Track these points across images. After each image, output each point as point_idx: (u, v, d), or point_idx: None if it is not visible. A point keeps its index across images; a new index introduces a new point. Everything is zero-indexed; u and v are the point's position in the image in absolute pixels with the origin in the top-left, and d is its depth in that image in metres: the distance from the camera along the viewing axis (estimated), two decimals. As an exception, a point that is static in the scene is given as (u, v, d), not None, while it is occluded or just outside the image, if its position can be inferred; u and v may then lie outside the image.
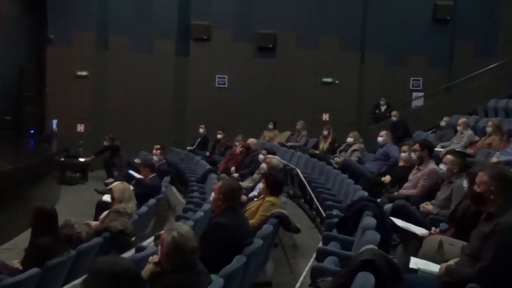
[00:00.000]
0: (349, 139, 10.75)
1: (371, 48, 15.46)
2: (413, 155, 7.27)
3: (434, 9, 15.30)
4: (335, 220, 5.93)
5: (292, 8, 15.36)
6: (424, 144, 7.14)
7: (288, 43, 15.55)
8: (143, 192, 8.02)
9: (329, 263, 4.27)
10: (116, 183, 7.32)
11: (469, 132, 9.87)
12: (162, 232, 3.69)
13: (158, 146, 10.74)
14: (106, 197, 7.22)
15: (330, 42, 15.41)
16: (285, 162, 10.54)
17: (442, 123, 11.26)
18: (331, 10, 15.31)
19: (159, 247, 3.61)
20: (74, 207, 10.04)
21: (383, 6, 15.34)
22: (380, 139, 9.62)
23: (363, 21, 15.45)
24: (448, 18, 15.27)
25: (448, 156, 6.15)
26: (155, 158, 10.44)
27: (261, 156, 9.27)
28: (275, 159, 8.33)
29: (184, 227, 3.60)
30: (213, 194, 5.09)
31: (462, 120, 10.27)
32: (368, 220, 4.85)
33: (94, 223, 6.66)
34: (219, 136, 13.62)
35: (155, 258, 3.67)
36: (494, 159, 7.46)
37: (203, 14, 15.42)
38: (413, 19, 15.24)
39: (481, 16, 15.01)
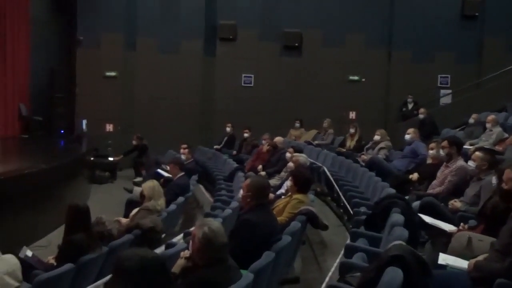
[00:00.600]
0: (376, 137, 10.70)
1: (398, 45, 15.37)
2: (441, 152, 7.20)
3: (462, 5, 15.19)
4: (363, 217, 5.94)
5: (318, 6, 15.37)
6: (453, 141, 7.07)
7: (314, 41, 15.55)
8: (175, 192, 8.12)
9: (357, 259, 4.29)
10: (149, 182, 7.43)
11: (498, 129, 9.74)
12: (193, 228, 3.76)
13: (185, 146, 10.85)
14: (136, 190, 7.33)
15: (357, 39, 15.36)
16: (312, 160, 10.55)
17: (471, 120, 11.15)
18: (357, 7, 15.30)
19: (190, 242, 3.67)
20: (104, 205, 10.16)
21: (410, 2, 15.25)
22: (407, 136, 9.58)
23: (390, 18, 15.38)
24: (477, 14, 15.12)
25: (477, 153, 6.10)
26: (183, 157, 10.55)
27: (288, 154, 9.27)
28: (302, 157, 8.33)
29: (215, 223, 3.66)
30: (241, 192, 5.13)
31: (490, 117, 10.15)
32: (396, 216, 4.83)
33: (124, 220, 6.78)
34: (245, 134, 13.67)
35: (187, 253, 3.73)
36: (524, 156, 7.38)
37: (229, 14, 15.51)
38: (441, 15, 15.13)
39: (510, 11, 14.80)
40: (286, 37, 15.58)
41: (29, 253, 5.38)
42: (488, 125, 9.93)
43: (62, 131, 14.86)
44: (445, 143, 7.04)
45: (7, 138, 13.22)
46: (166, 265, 2.85)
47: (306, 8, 15.40)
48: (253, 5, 15.55)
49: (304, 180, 6.25)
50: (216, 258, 3.52)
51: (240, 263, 3.85)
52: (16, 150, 12.21)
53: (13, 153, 11.61)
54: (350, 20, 15.27)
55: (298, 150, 9.49)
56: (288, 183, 6.80)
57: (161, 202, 6.89)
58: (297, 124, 14.28)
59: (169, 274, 2.84)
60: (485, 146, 8.30)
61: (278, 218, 5.57)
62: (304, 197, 6.11)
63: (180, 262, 3.71)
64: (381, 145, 10.51)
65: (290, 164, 8.32)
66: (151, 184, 6.93)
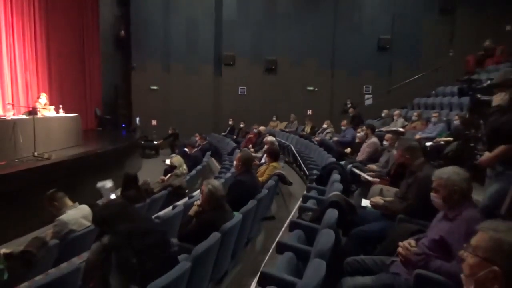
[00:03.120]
0: (324, 125, 10.68)
1: (338, 66, 15.19)
2: (362, 133, 7.21)
3: (378, 41, 15.02)
4: (315, 176, 5.88)
5: (286, 42, 15.17)
6: (368, 126, 7.14)
7: (284, 64, 15.36)
8: (191, 161, 8.07)
9: (311, 204, 4.23)
10: (174, 156, 7.36)
11: (401, 119, 9.71)
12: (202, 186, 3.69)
13: (197, 135, 10.77)
14: (167, 161, 7.29)
15: (312, 62, 15.19)
16: (283, 141, 10.49)
17: (382, 114, 11.04)
18: (313, 42, 15.08)
19: (200, 195, 3.61)
20: (150, 172, 10.07)
21: (346, 39, 15.07)
22: (343, 127, 9.59)
23: (333, 49, 15.20)
24: (388, 46, 14.98)
25: (388, 135, 6.06)
26: (198, 140, 10.47)
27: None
28: (269, 137, 8.12)
29: (216, 182, 3.59)
30: (235, 162, 5.06)
31: (396, 112, 10.11)
32: (335, 176, 4.80)
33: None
34: (241, 125, 13.58)
35: (198, 202, 3.67)
36: (417, 136, 7.34)
37: (230, 47, 15.33)
38: (365, 47, 14.97)
39: (409, 44, 14.69)
40: (267, 62, 15.38)
41: (108, 183, 5.18)
42: (395, 117, 9.88)
43: (124, 125, 14.72)
44: (364, 127, 7.06)
45: (89, 130, 13.08)
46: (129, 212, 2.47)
47: (279, 44, 15.20)
48: (246, 42, 15.33)
49: (274, 153, 6.17)
50: (217, 205, 3.47)
51: (235, 208, 3.80)
52: (94, 138, 12.07)
53: (93, 139, 11.47)
54: (307, 50, 15.07)
55: (271, 135, 9.34)
56: (265, 156, 6.71)
57: (184, 167, 6.84)
58: (274, 118, 14.20)
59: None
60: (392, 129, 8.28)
61: (260, 178, 5.52)
62: (277, 164, 6.04)
63: (194, 208, 3.65)
64: (327, 130, 10.47)
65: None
66: (176, 159, 6.87)
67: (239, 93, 15.68)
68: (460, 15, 14.46)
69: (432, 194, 2.57)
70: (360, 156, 6.73)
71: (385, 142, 6.07)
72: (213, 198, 3.44)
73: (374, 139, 6.66)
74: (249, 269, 4.04)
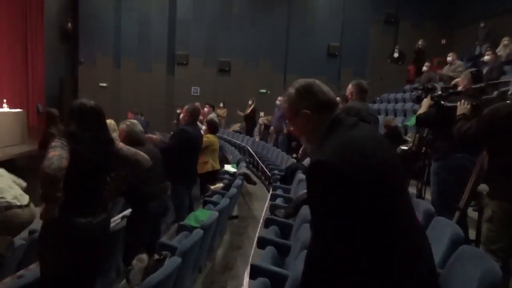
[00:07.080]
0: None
1: (290, 70, 15.56)
2: None
3: (328, 47, 15.62)
4: (278, 176, 6.01)
5: (241, 44, 15.28)
6: None
7: (238, 66, 15.49)
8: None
9: (279, 201, 4.38)
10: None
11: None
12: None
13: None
14: None
15: (265, 65, 15.46)
16: (238, 142, 10.58)
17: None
18: (267, 45, 15.33)
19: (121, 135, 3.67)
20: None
21: (298, 43, 15.51)
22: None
23: (286, 53, 15.56)
24: (337, 53, 15.63)
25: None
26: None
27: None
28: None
29: (131, 120, 3.76)
30: (182, 114, 4.91)
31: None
32: (300, 175, 4.98)
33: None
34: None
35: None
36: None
37: (184, 47, 15.15)
38: (316, 52, 15.49)
39: (356, 52, 15.45)
40: (220, 63, 15.40)
41: None
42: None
43: (69, 123, 13.98)
44: None
45: (31, 128, 12.21)
46: (101, 112, 2.54)
47: (234, 45, 15.28)
48: (200, 41, 15.24)
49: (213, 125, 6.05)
50: (137, 139, 3.53)
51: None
52: (39, 136, 11.31)
53: (38, 137, 10.74)
54: (261, 53, 15.31)
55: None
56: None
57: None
58: (221, 105, 14.12)
59: (102, 120, 2.52)
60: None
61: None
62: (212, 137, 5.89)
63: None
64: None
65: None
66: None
67: (192, 93, 15.53)
68: (402, 27, 15.53)
69: None
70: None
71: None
72: (132, 133, 3.51)
73: None
74: (220, 266, 4.10)
